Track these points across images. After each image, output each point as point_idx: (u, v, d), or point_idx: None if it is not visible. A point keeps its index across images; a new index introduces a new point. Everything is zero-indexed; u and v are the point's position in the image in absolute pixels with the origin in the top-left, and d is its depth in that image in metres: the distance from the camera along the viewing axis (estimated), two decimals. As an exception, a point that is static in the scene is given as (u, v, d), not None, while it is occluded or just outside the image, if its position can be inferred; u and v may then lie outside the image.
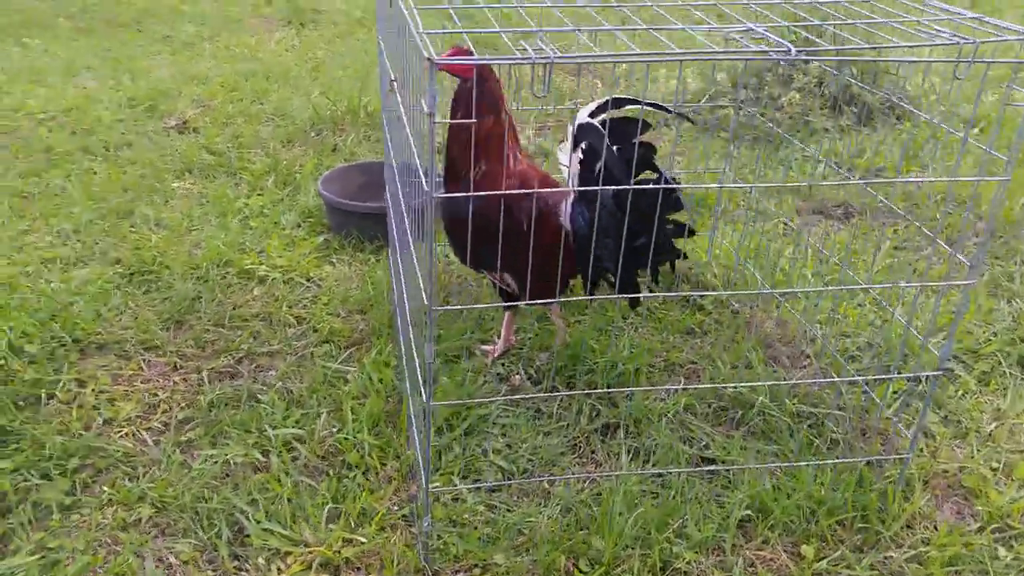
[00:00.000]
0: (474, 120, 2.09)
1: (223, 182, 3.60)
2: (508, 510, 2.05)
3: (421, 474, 1.84)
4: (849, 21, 1.82)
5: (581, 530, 1.98)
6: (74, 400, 2.33)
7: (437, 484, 2.09)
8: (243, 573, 1.86)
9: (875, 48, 1.57)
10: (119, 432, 2.24)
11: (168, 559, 1.89)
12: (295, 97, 4.51)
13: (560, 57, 1.37)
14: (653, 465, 2.19)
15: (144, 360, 2.52)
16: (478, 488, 2.09)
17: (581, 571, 1.88)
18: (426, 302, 1.57)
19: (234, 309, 2.74)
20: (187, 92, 4.59)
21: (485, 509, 2.06)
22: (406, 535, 1.96)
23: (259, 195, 3.49)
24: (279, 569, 1.86)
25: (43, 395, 2.32)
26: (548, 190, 2.31)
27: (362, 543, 1.91)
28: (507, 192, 2.12)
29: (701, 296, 2.91)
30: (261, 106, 4.45)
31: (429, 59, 1.32)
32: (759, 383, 2.41)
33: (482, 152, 2.19)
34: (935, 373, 2.02)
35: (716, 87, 4.66)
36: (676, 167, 3.91)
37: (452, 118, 2.17)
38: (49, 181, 3.53)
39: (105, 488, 2.05)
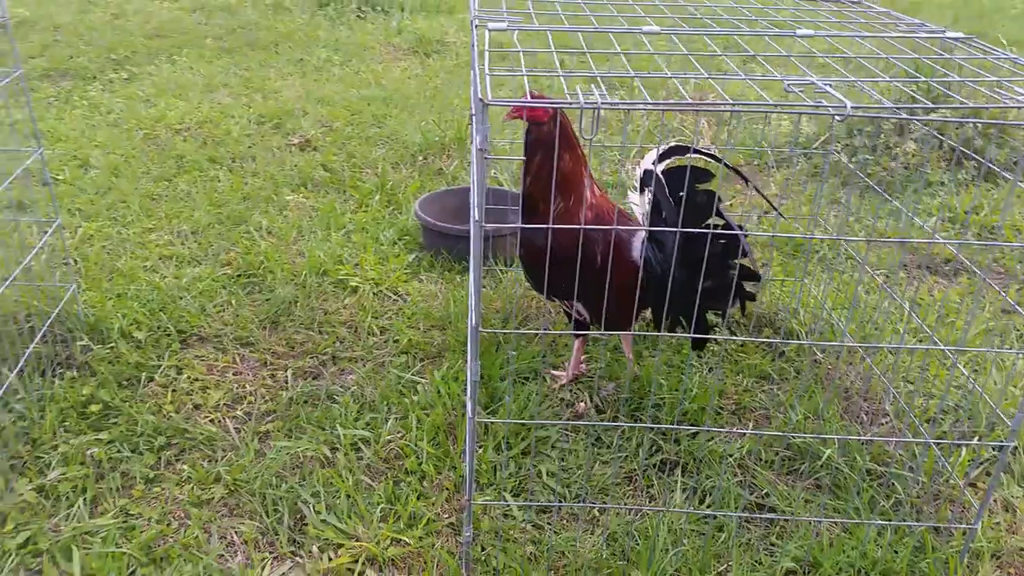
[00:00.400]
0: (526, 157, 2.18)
1: (333, 197, 3.82)
2: (555, 532, 2.08)
3: (467, 486, 1.91)
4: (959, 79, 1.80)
5: (623, 561, 1.99)
6: (170, 384, 2.53)
7: (488, 498, 2.15)
8: (297, 558, 1.98)
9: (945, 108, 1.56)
10: (206, 417, 2.42)
11: (231, 537, 2.03)
12: (410, 123, 4.73)
13: (606, 103, 1.43)
14: (708, 506, 2.18)
15: (238, 354, 2.71)
16: (528, 507, 2.14)
17: (617, 599, 1.90)
18: (473, 323, 1.65)
19: (325, 315, 2.91)
20: (312, 113, 4.90)
21: (532, 528, 2.10)
22: (450, 543, 2.03)
23: (364, 211, 3.68)
24: (329, 558, 1.96)
25: (144, 377, 2.54)
26: (623, 227, 2.36)
27: (408, 544, 2.00)
28: (584, 227, 2.18)
29: (783, 343, 2.87)
30: (377, 129, 4.69)
31: (482, 100, 1.42)
32: (830, 435, 2.35)
33: (559, 188, 2.27)
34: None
35: (831, 132, 4.58)
36: (780, 208, 3.87)
37: (531, 157, 2.27)
38: (177, 186, 3.85)
39: (185, 467, 2.22)
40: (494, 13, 2.15)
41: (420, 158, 4.32)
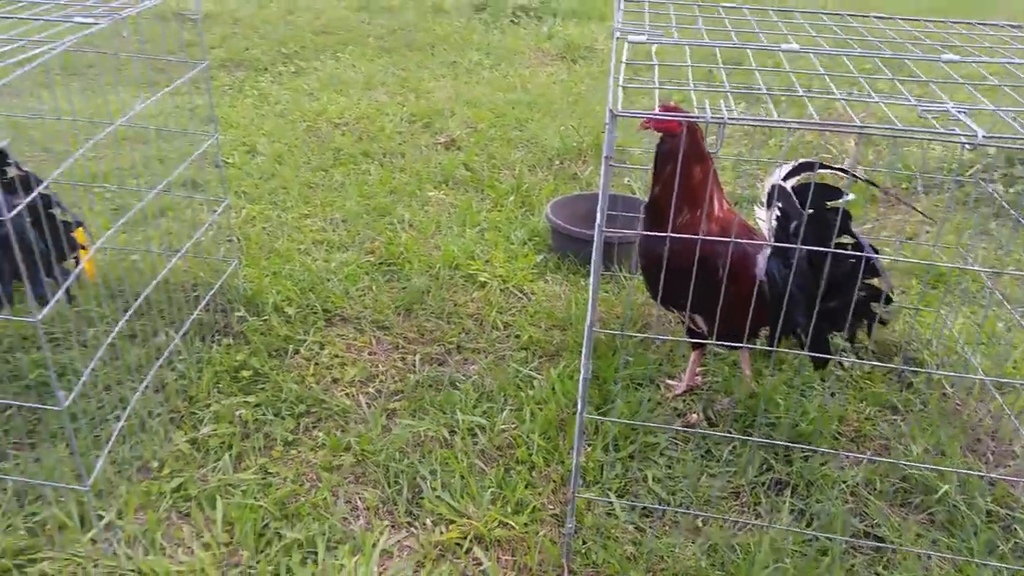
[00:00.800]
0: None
1: (471, 196, 4.00)
2: (656, 536, 2.14)
3: (572, 480, 2.00)
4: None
5: (721, 572, 2.03)
6: (313, 358, 2.77)
7: (593, 494, 2.24)
8: (412, 528, 2.14)
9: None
10: (342, 391, 2.63)
11: (356, 502, 2.21)
12: (551, 127, 4.86)
13: (732, 119, 1.49)
14: (813, 528, 2.18)
15: (374, 336, 2.92)
16: (632, 508, 2.21)
17: (710, 606, 1.94)
18: (588, 321, 1.74)
19: (454, 307, 3.08)
20: (460, 113, 5.12)
21: (634, 529, 2.17)
22: (553, 532, 2.13)
23: (498, 211, 3.84)
24: (441, 532, 2.11)
25: (291, 349, 2.79)
26: (746, 241, 2.38)
27: (513, 528, 2.12)
28: (702, 238, 2.22)
29: (913, 373, 2.80)
30: (519, 132, 4.85)
31: (611, 110, 1.50)
32: (951, 470, 2.29)
33: (686, 200, 2.32)
34: None
35: (988, 160, 4.36)
36: (924, 236, 3.74)
37: (661, 168, 2.33)
38: (333, 176, 4.14)
39: (320, 434, 2.44)
40: (638, 26, 2.23)
41: (557, 162, 4.44)
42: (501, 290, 3.20)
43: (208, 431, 2.40)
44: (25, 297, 2.57)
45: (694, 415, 2.58)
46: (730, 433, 2.46)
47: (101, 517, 2.10)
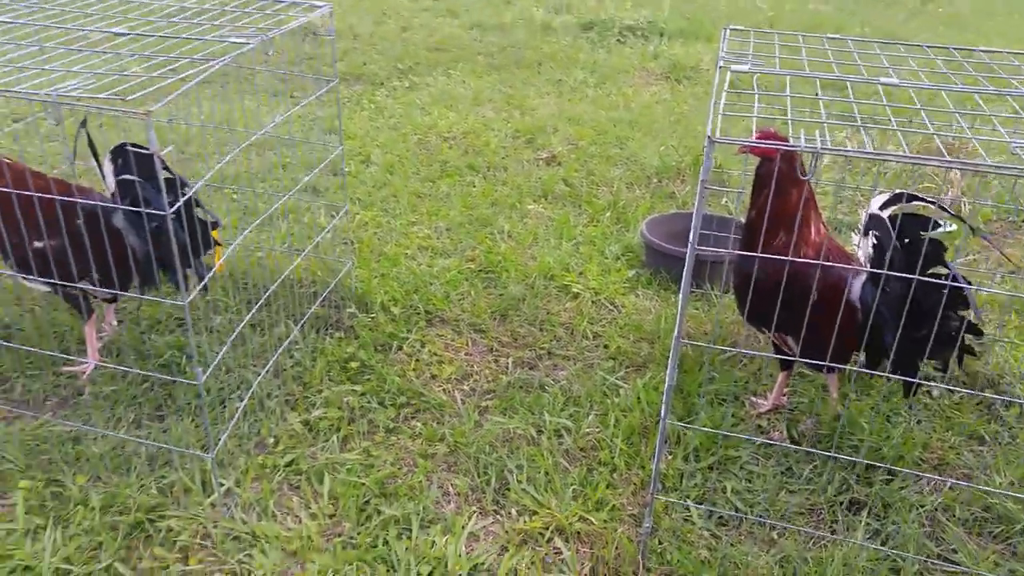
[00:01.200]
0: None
1: (569, 210, 4.16)
2: (731, 544, 2.23)
3: (652, 482, 2.12)
4: None
5: (791, 580, 2.11)
6: (414, 355, 2.97)
7: (672, 498, 2.35)
8: (498, 515, 2.30)
9: None
10: (439, 387, 2.82)
11: (448, 487, 2.40)
12: (651, 146, 4.97)
13: (826, 148, 1.59)
14: (888, 548, 2.22)
15: (471, 338, 3.10)
16: (710, 515, 2.31)
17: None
18: (676, 332, 1.86)
19: (547, 315, 3.23)
20: (562, 130, 5.29)
21: (710, 536, 2.27)
22: (631, 531, 2.25)
23: (594, 226, 3.98)
24: (525, 521, 2.26)
25: (395, 345, 3.00)
26: (841, 265, 2.44)
27: (593, 524, 2.25)
28: (791, 259, 2.30)
29: (1005, 406, 2.78)
30: (619, 150, 4.98)
31: (709, 136, 1.63)
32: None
33: (781, 223, 2.41)
34: None
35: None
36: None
37: (758, 192, 2.42)
38: (439, 187, 4.38)
39: (418, 424, 2.63)
40: (743, 55, 2.35)
41: (655, 180, 4.54)
42: (593, 301, 3.34)
43: (319, 414, 2.63)
44: (162, 286, 2.87)
45: (777, 432, 2.65)
46: (812, 451, 2.52)
47: (222, 484, 2.34)
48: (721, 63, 2.31)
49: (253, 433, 2.55)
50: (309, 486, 2.38)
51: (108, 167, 2.62)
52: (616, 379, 2.84)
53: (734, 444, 2.57)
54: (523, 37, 7.43)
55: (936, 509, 2.36)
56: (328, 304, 3.14)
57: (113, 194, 2.64)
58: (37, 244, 2.50)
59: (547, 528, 2.25)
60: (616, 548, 2.19)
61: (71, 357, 2.75)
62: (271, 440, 2.53)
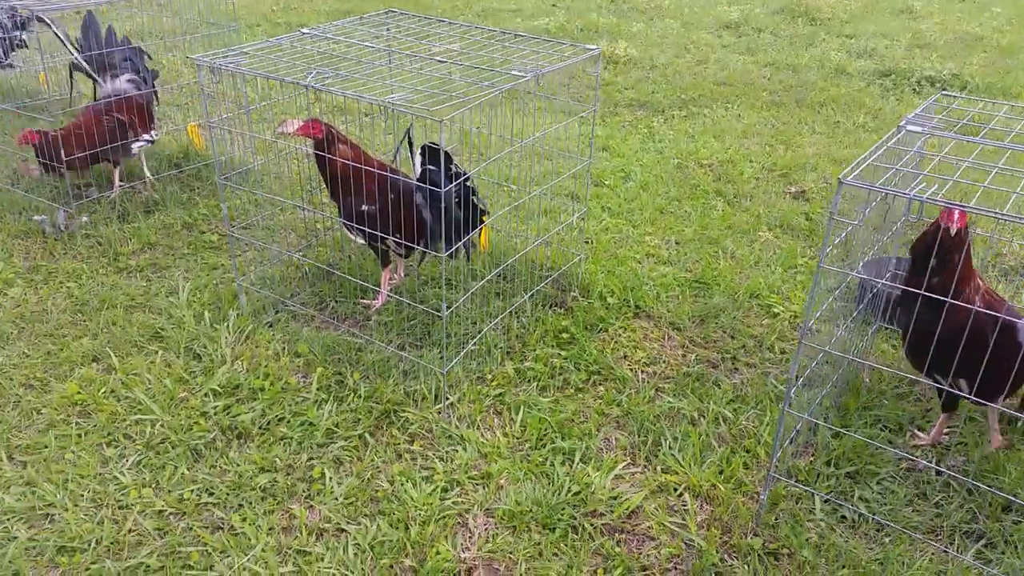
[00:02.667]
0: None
1: (799, 243, 4.47)
2: (843, 540, 2.56)
3: (772, 459, 2.53)
4: None
5: None
6: (615, 337, 3.57)
7: (796, 486, 2.71)
8: (645, 468, 2.84)
9: None
10: (627, 366, 3.39)
11: (611, 439, 2.97)
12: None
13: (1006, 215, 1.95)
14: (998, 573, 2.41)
15: (667, 333, 3.63)
16: (834, 511, 2.64)
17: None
18: (800, 331, 2.28)
19: (742, 326, 3.65)
20: (821, 169, 5.52)
21: (825, 527, 2.61)
22: (753, 506, 2.67)
23: (814, 259, 4.26)
24: (664, 476, 2.77)
25: (601, 327, 3.62)
26: (1011, 317, 2.63)
27: (719, 489, 2.70)
28: (976, 308, 2.55)
29: None
30: (871, 194, 5.11)
31: (840, 179, 2.05)
32: None
33: (965, 283, 2.63)
34: None
35: None
36: None
37: (945, 259, 2.62)
38: (682, 207, 4.89)
39: (602, 389, 3.24)
40: (929, 118, 2.67)
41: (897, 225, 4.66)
42: (790, 322, 3.69)
43: (528, 365, 3.33)
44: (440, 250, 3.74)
45: (923, 461, 2.87)
46: (953, 475, 2.72)
47: (447, 399, 3.13)
48: (903, 122, 2.65)
49: (478, 369, 3.31)
50: (508, 414, 3.08)
51: (417, 159, 3.53)
52: (782, 386, 3.21)
53: (876, 460, 2.84)
54: (813, 78, 7.60)
55: (1060, 558, 2.47)
56: (555, 285, 3.84)
57: (417, 179, 3.56)
58: (363, 207, 3.47)
59: (680, 485, 2.74)
60: (733, 511, 2.62)
61: (368, 291, 3.72)
62: (489, 376, 3.27)
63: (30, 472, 2.74)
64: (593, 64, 3.60)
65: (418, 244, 3.45)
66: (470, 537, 2.56)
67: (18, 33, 5.44)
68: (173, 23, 5.57)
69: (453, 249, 3.37)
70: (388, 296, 3.72)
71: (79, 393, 3.11)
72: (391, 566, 2.44)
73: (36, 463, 2.79)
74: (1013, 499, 2.55)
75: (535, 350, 3.43)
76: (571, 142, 5.61)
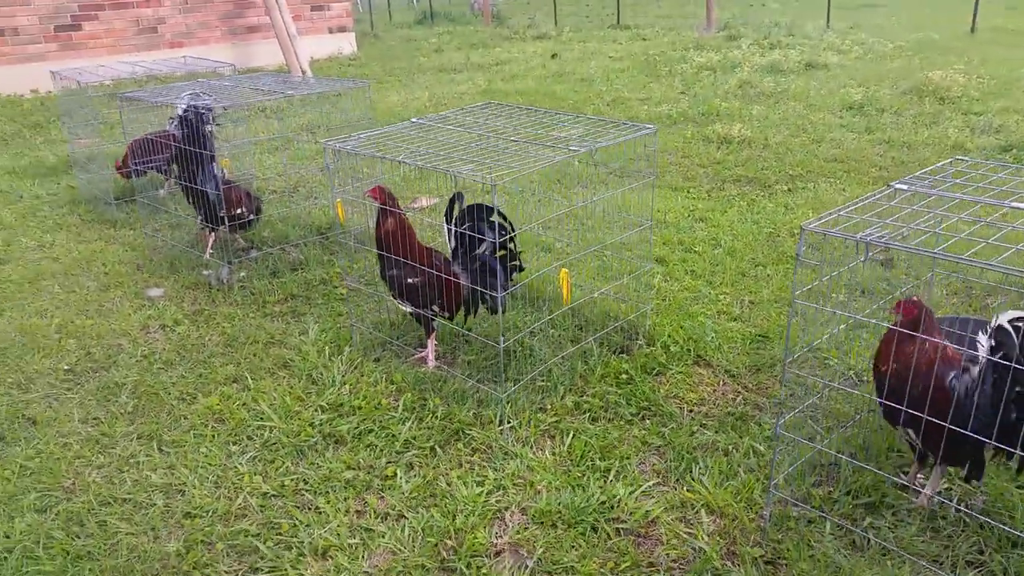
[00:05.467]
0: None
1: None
2: (845, 559, 2.79)
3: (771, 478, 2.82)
4: None
5: (869, 584, 2.63)
6: (670, 381, 3.94)
7: (803, 507, 2.97)
8: (673, 486, 3.18)
9: None
10: (676, 405, 3.75)
11: (647, 463, 3.35)
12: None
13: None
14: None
15: (722, 380, 3.95)
16: (841, 532, 2.88)
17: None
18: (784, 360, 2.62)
19: (795, 376, 3.92)
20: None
21: (831, 548, 2.85)
22: (761, 522, 2.95)
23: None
24: (689, 495, 3.11)
25: (659, 371, 4.00)
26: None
27: (733, 506, 3.01)
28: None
29: None
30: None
31: (802, 226, 2.43)
32: None
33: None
34: None
35: None
36: None
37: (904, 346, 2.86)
38: (765, 271, 5.19)
39: (649, 423, 3.61)
40: (925, 180, 2.98)
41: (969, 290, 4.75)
42: (842, 374, 3.91)
43: (585, 399, 3.77)
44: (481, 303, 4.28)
45: (926, 498, 3.01)
46: (959, 508, 2.88)
47: (509, 422, 3.62)
48: (895, 183, 2.97)
49: (542, 401, 3.78)
50: (560, 438, 3.53)
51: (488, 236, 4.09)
52: (821, 429, 3.46)
53: (895, 494, 3.04)
54: (928, 155, 7.65)
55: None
56: (626, 336, 4.27)
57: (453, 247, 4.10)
58: (410, 280, 4.06)
59: (699, 503, 3.07)
60: (740, 526, 2.92)
61: (461, 335, 4.32)
62: (548, 407, 3.74)
63: (171, 459, 3.48)
64: (651, 141, 4.08)
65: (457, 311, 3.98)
66: (504, 528, 3.01)
67: (209, 127, 6.56)
68: (340, 118, 6.63)
69: (500, 300, 3.91)
70: (435, 364, 4.21)
71: (218, 405, 3.86)
72: (435, 544, 2.93)
73: (178, 454, 3.52)
74: (1020, 535, 2.69)
75: (595, 387, 3.87)
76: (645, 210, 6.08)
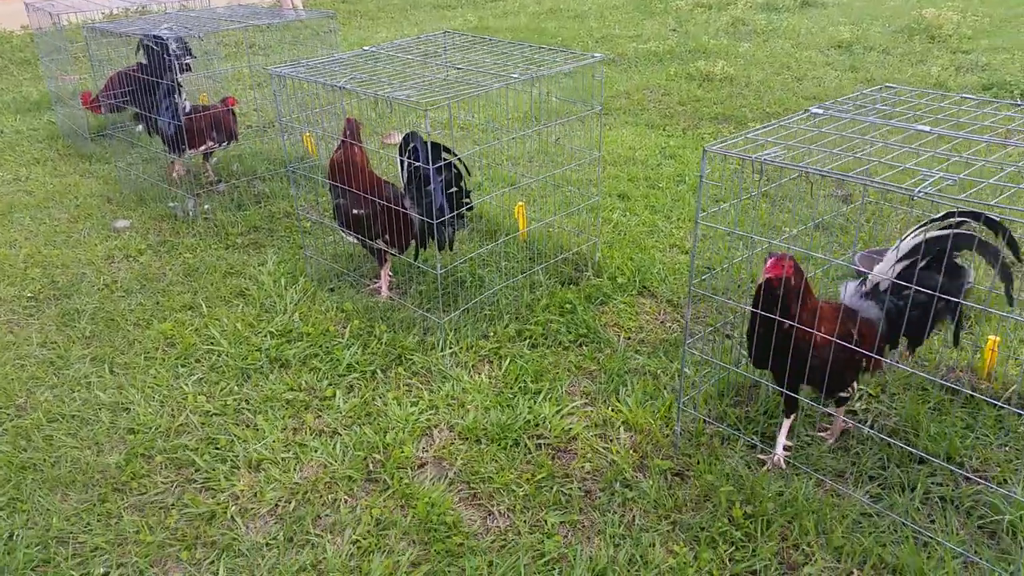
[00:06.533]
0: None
1: (832, 240, 4.71)
2: (752, 472, 2.91)
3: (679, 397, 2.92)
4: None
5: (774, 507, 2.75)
6: (613, 311, 4.02)
7: (715, 425, 3.08)
8: (601, 406, 3.29)
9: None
10: (614, 332, 3.84)
11: (578, 385, 3.45)
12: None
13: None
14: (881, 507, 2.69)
15: (663, 309, 4.03)
16: (752, 449, 2.99)
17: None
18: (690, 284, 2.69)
19: (735, 305, 3.99)
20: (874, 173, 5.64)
21: (740, 462, 2.96)
22: (669, 436, 3.07)
23: (836, 257, 4.50)
24: (612, 414, 3.22)
25: (603, 301, 4.08)
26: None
27: (651, 424, 3.12)
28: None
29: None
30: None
31: (704, 148, 2.47)
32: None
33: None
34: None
35: None
36: None
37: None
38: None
39: (585, 348, 3.71)
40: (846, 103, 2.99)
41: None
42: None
43: (528, 327, 3.86)
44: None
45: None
46: (868, 430, 2.99)
47: (451, 347, 3.72)
48: (813, 108, 3.00)
49: (486, 329, 3.87)
50: (497, 362, 3.63)
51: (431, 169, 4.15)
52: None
53: (814, 414, 3.14)
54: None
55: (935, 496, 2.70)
56: (574, 267, 4.34)
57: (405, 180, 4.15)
58: (355, 211, 4.10)
59: (619, 420, 3.18)
60: (654, 441, 3.04)
61: (413, 267, 4.41)
62: (491, 334, 3.84)
63: (121, 380, 3.61)
64: (598, 70, 4.08)
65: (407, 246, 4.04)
66: (431, 444, 3.14)
67: (186, 57, 6.52)
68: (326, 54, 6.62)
69: (448, 237, 3.95)
70: (388, 295, 4.29)
71: (171, 330, 3.97)
72: (364, 458, 3.06)
73: (128, 375, 3.65)
74: (912, 450, 2.80)
75: (538, 316, 3.95)
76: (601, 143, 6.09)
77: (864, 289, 2.93)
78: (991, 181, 2.41)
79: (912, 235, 2.79)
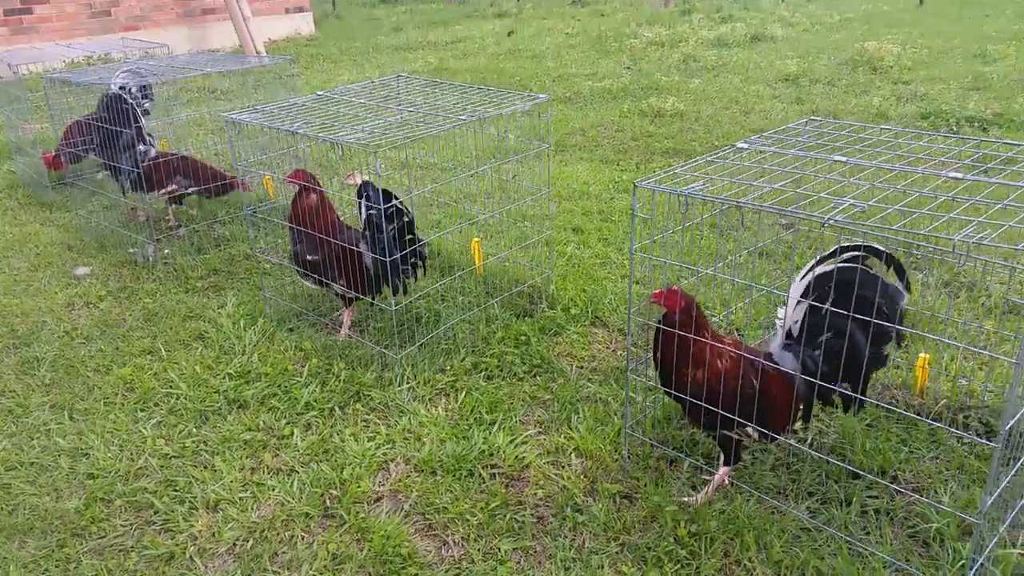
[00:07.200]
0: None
1: (775, 267, 4.88)
2: (684, 482, 3.02)
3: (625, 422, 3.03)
4: None
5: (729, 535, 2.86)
6: (567, 340, 4.13)
7: (661, 448, 3.19)
8: (551, 436, 3.39)
9: None
10: (567, 362, 3.95)
11: (532, 415, 3.55)
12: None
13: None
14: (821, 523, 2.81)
15: (614, 338, 4.16)
16: (697, 472, 3.10)
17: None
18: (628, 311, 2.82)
19: (681, 332, 4.12)
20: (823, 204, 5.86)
21: (686, 484, 3.07)
22: (618, 460, 3.17)
23: (774, 284, 4.67)
24: (564, 442, 3.32)
25: (556, 332, 4.20)
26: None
27: (602, 450, 3.22)
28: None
29: None
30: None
31: (635, 183, 2.62)
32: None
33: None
34: None
35: None
36: None
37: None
38: (675, 238, 5.40)
39: (539, 379, 3.81)
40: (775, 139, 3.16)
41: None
42: (728, 329, 4.13)
43: (483, 360, 3.96)
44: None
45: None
46: (804, 449, 3.11)
47: (408, 382, 3.80)
48: (740, 142, 3.17)
49: (443, 363, 3.97)
50: (454, 395, 3.72)
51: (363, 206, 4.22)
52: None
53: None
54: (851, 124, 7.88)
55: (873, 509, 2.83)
56: (529, 300, 4.46)
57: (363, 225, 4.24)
58: (310, 257, 4.20)
59: (571, 447, 3.28)
60: (604, 466, 3.14)
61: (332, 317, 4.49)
62: (448, 367, 3.93)
63: (80, 425, 3.64)
64: (544, 111, 4.25)
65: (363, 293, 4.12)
66: (387, 477, 3.21)
67: (144, 102, 6.60)
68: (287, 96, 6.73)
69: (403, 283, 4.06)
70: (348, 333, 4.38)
71: (130, 375, 4.02)
72: (321, 495, 3.12)
73: (87, 421, 3.68)
74: (845, 466, 2.93)
75: (494, 348, 4.06)
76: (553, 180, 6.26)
77: (780, 340, 2.91)
78: (898, 207, 2.58)
79: (800, 276, 2.83)
